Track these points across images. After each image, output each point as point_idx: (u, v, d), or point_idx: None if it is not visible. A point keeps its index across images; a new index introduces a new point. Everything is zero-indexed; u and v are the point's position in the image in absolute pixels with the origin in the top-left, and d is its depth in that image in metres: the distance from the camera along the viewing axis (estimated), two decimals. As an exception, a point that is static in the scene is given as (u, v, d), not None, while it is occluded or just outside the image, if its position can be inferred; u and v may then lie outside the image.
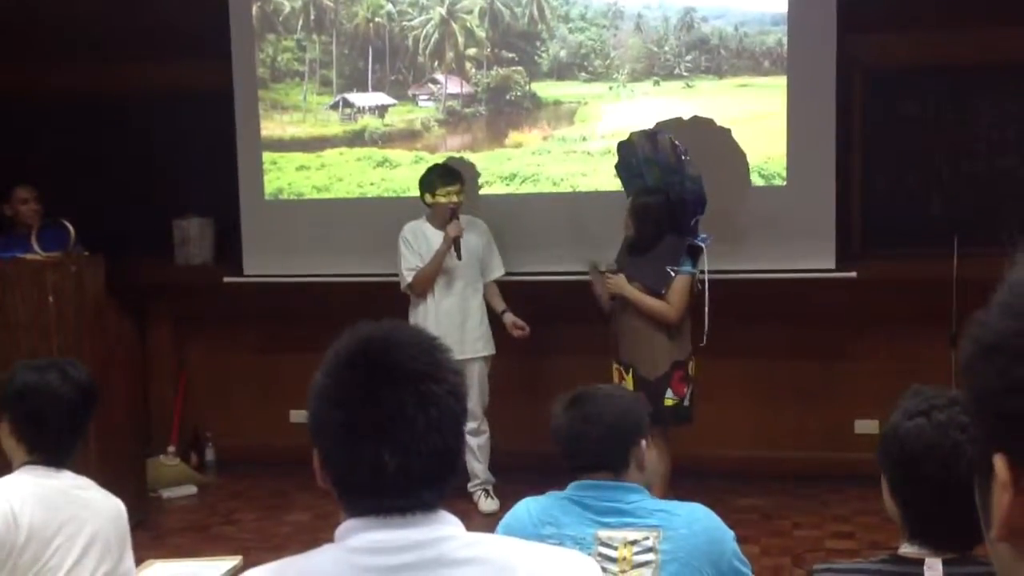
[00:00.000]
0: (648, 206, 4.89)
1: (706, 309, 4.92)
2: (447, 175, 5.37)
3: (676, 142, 4.98)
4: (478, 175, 5.88)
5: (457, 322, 5.35)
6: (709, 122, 5.64)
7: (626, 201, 5.04)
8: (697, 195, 4.92)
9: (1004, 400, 0.66)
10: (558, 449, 2.40)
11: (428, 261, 5.33)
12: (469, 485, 5.44)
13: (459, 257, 5.31)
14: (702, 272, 4.91)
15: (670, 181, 4.99)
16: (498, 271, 5.55)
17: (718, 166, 5.57)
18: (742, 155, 5.61)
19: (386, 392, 1.34)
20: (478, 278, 5.46)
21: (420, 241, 5.38)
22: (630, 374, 4.83)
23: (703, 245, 4.91)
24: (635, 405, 2.47)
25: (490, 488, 5.44)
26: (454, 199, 5.29)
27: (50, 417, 2.52)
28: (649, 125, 5.44)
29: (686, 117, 5.64)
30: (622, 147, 5.22)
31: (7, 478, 2.52)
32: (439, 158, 5.94)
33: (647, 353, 4.84)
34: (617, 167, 5.27)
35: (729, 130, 5.61)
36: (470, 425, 5.39)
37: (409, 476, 1.33)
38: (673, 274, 4.82)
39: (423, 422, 1.33)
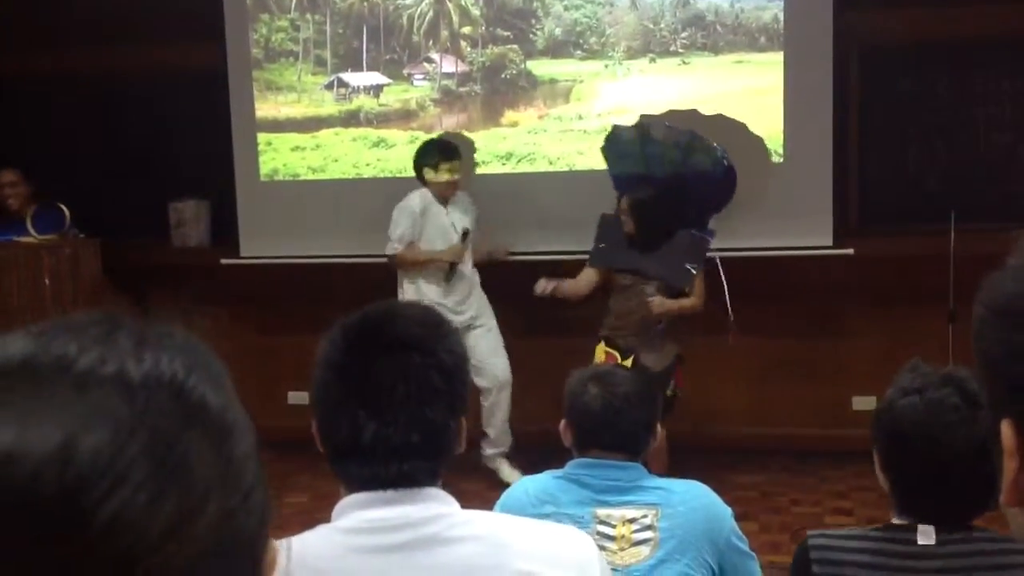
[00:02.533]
0: (645, 203, 4.88)
1: (728, 304, 5.01)
2: (447, 150, 5.29)
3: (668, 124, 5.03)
4: (474, 150, 5.84)
5: (465, 293, 5.37)
6: (709, 100, 5.62)
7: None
8: (721, 191, 4.95)
9: (1009, 366, 0.66)
10: (581, 424, 2.36)
11: (425, 253, 5.29)
12: (488, 451, 5.45)
13: (447, 279, 5.32)
14: (710, 257, 5.00)
15: (681, 161, 4.97)
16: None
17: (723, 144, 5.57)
18: (744, 133, 5.59)
19: (371, 358, 1.37)
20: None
21: (427, 218, 5.29)
22: (629, 360, 4.82)
23: (710, 239, 4.97)
24: (655, 391, 2.50)
25: (509, 451, 5.42)
26: (456, 176, 5.26)
27: None
28: (645, 102, 5.45)
29: (682, 94, 5.62)
30: (611, 142, 5.21)
31: None
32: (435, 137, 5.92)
33: (656, 345, 4.89)
34: (604, 150, 5.26)
35: (727, 107, 5.60)
36: (505, 390, 5.42)
37: (388, 443, 1.35)
38: (694, 271, 4.86)
39: (403, 391, 1.36)
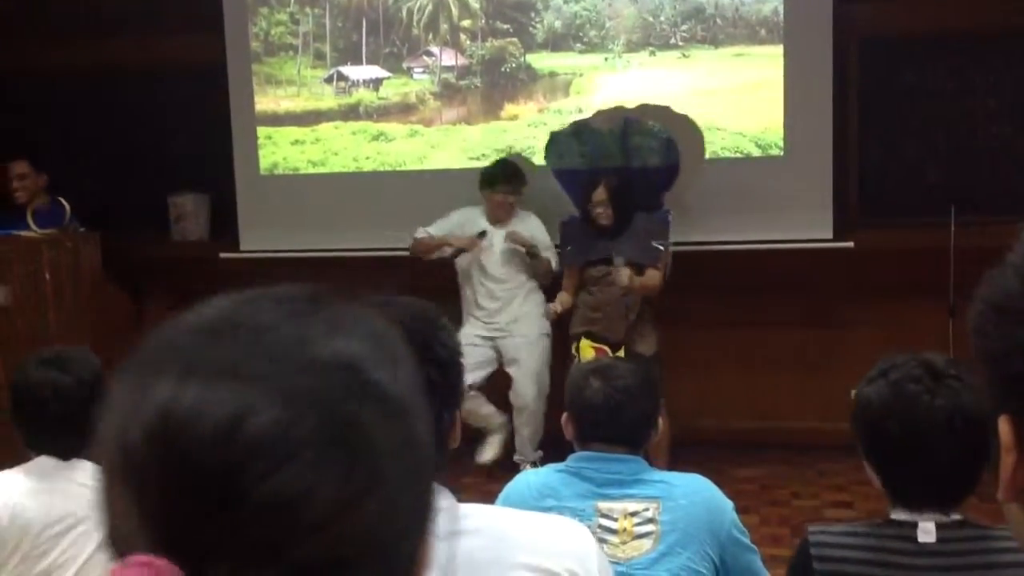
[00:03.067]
0: (623, 192, 5.01)
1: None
2: (505, 175, 5.35)
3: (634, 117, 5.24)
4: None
5: (496, 307, 5.37)
6: (709, 93, 5.62)
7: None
8: (667, 166, 5.14)
9: (1007, 361, 0.65)
10: (583, 417, 2.35)
11: (438, 238, 5.37)
12: (515, 456, 5.43)
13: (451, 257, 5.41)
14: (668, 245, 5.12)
15: (635, 149, 5.15)
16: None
17: (720, 138, 5.58)
18: (741, 125, 5.60)
19: None
20: (525, 273, 5.39)
21: (466, 226, 5.37)
22: (621, 351, 4.85)
23: (669, 217, 5.10)
24: (657, 385, 2.49)
25: (537, 462, 5.40)
26: (504, 199, 5.32)
27: (49, 415, 2.45)
28: (644, 96, 5.47)
29: (682, 88, 5.62)
30: (581, 129, 5.35)
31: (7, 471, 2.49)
32: (434, 131, 5.93)
33: (645, 331, 4.98)
34: (548, 153, 5.42)
35: (727, 100, 5.60)
36: (525, 413, 5.38)
37: None
38: (662, 248, 4.99)
39: None
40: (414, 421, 0.66)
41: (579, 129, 5.38)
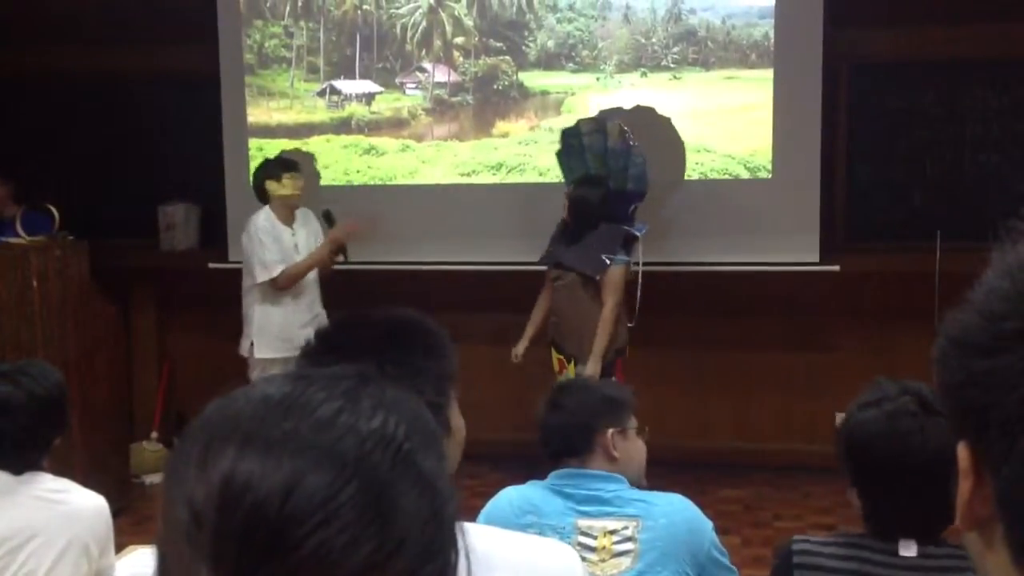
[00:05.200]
0: (584, 199, 4.97)
1: (638, 296, 5.04)
2: (288, 164, 5.14)
3: (625, 128, 5.14)
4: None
5: (307, 317, 5.06)
6: (699, 114, 5.66)
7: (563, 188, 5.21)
8: (639, 183, 5.10)
9: (963, 392, 0.68)
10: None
11: (303, 258, 5.07)
12: None
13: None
14: (635, 263, 5.03)
15: (615, 167, 5.12)
16: None
17: (709, 159, 5.61)
18: (730, 147, 5.64)
19: (339, 365, 1.35)
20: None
21: (278, 233, 5.06)
22: (572, 364, 4.88)
23: (639, 234, 5.04)
24: (607, 395, 2.47)
25: None
26: (299, 189, 5.08)
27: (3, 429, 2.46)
28: (635, 116, 5.50)
29: (672, 109, 5.66)
30: (566, 134, 5.33)
31: None
32: (426, 147, 5.95)
33: (590, 344, 4.89)
34: (559, 154, 5.39)
35: (717, 122, 5.64)
36: None
37: None
38: (608, 262, 4.89)
39: None
40: (441, 497, 0.73)
41: (589, 125, 5.31)
